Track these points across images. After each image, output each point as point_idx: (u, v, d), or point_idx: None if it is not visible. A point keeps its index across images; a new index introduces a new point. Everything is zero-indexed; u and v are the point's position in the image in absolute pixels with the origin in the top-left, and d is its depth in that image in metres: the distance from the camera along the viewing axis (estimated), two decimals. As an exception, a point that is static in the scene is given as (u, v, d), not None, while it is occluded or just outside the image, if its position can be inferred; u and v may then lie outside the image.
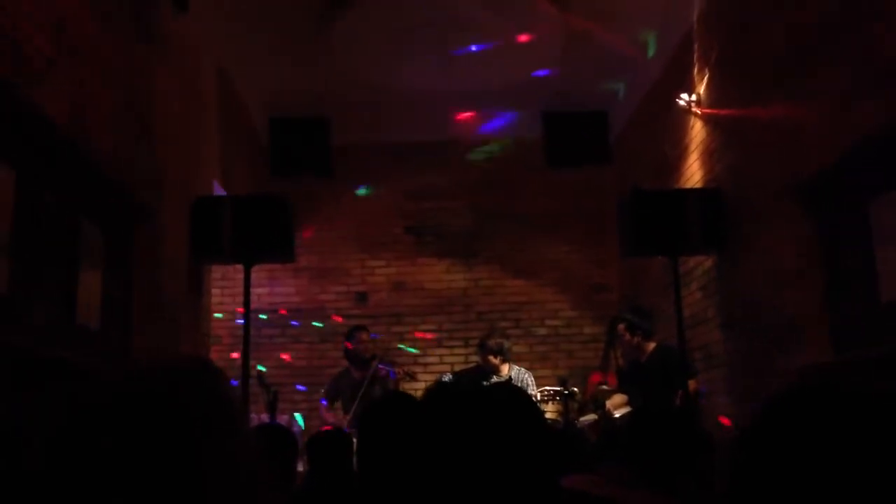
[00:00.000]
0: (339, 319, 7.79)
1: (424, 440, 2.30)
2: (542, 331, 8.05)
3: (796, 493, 1.14)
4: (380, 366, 6.38)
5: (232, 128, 6.57)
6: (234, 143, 6.68)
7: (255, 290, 5.80)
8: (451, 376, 6.73)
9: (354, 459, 4.06)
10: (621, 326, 6.04)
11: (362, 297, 8.04)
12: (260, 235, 5.26)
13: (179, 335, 5.00)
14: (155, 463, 1.00)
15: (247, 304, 5.46)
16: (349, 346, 6.61)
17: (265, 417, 6.32)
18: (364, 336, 6.57)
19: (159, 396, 1.06)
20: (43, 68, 3.21)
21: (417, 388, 7.14)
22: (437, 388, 2.33)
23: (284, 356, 7.73)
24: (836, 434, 1.10)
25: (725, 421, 5.46)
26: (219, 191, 6.08)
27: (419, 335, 7.85)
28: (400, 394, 3.59)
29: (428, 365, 7.82)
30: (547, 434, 2.52)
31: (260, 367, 6.16)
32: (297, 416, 7.01)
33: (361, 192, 8.15)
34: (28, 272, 3.16)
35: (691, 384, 5.61)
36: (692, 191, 5.79)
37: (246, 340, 5.51)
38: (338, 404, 6.64)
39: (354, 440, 5.53)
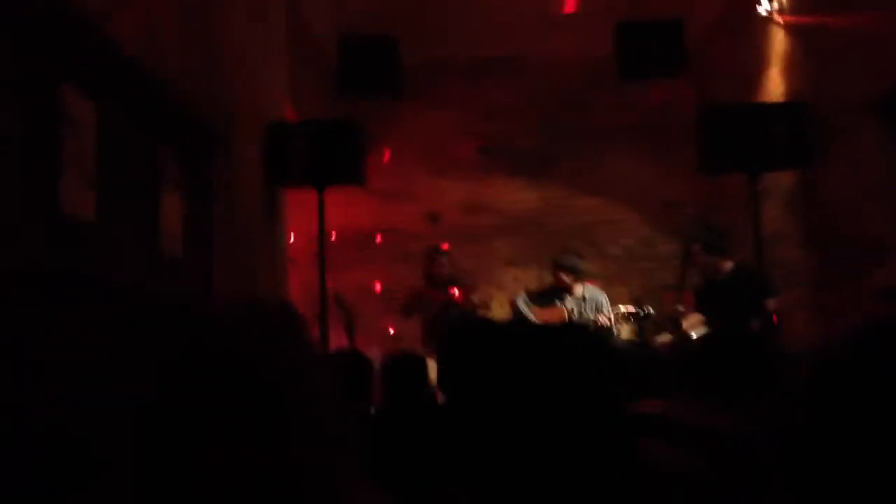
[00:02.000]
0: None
1: (503, 377, 2.32)
2: (616, 250, 7.97)
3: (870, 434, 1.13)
4: (456, 290, 6.41)
5: (300, 49, 6.55)
6: (303, 64, 6.66)
7: (328, 213, 5.86)
8: (524, 296, 6.74)
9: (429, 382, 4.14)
10: (696, 247, 5.90)
11: (434, 219, 8.05)
12: (331, 159, 5.31)
13: (258, 260, 5.10)
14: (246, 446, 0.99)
15: (321, 227, 5.55)
16: (428, 267, 6.64)
17: (344, 340, 6.47)
18: (442, 259, 6.60)
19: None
20: (115, 1, 3.23)
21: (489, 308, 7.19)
22: (511, 330, 2.35)
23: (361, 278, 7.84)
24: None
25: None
26: (289, 114, 6.11)
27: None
28: (479, 321, 3.59)
29: (503, 284, 7.83)
30: (618, 368, 2.52)
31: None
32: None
33: None
34: (114, 202, 3.24)
35: (771, 303, 5.51)
36: (772, 105, 5.60)
37: (321, 264, 5.62)
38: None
39: (428, 361, 5.63)
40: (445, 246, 6.95)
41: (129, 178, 3.45)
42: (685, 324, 6.00)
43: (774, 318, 5.49)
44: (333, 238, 7.69)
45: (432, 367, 6.17)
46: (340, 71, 7.13)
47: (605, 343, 2.03)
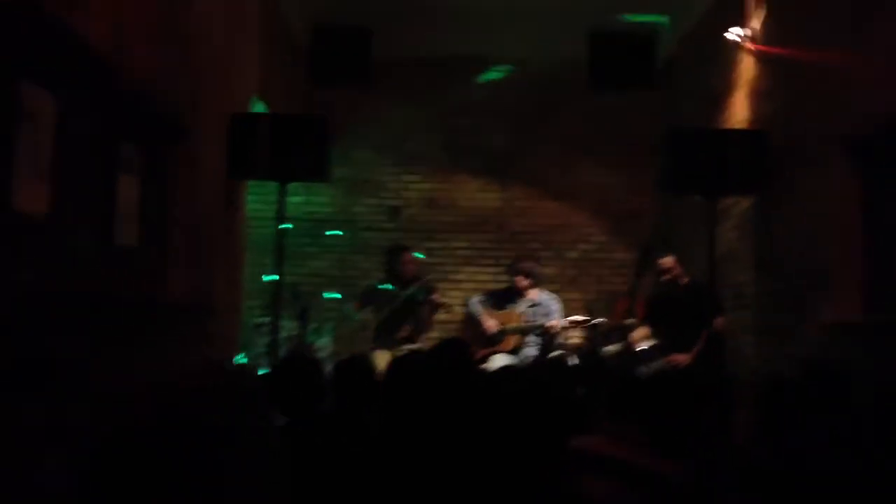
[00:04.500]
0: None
1: (450, 420, 2.36)
2: (574, 254, 8.04)
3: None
4: (418, 291, 6.41)
5: (272, 35, 6.48)
6: (275, 50, 6.60)
7: (289, 200, 5.85)
8: (479, 297, 6.79)
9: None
10: (670, 259, 5.97)
11: (395, 212, 8.04)
12: (296, 153, 5.28)
13: (215, 251, 5.07)
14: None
15: (281, 219, 5.54)
16: (391, 264, 6.63)
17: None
18: (407, 257, 6.59)
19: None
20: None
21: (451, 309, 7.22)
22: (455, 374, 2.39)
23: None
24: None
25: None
26: (257, 102, 6.06)
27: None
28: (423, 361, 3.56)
29: (459, 282, 7.86)
30: (555, 409, 2.58)
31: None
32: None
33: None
34: (69, 196, 3.21)
35: (718, 322, 5.63)
36: (734, 132, 5.68)
37: (279, 254, 5.61)
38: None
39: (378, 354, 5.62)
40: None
41: (86, 171, 3.41)
42: (633, 336, 6.12)
43: (721, 337, 5.61)
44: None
45: (383, 359, 6.24)
46: (312, 59, 7.10)
47: (545, 386, 2.09)
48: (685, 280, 5.97)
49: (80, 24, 3.15)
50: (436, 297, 6.51)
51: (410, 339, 6.40)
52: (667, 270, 5.95)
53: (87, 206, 3.46)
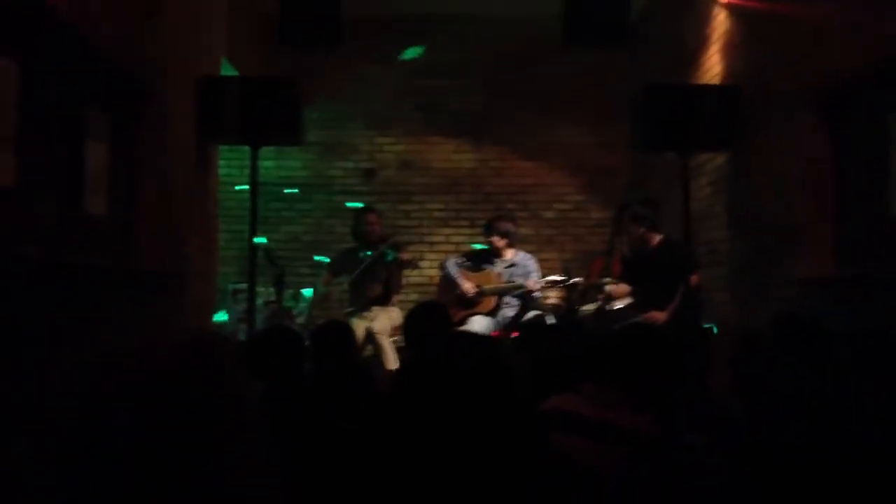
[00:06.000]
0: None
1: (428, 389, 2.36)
2: (550, 214, 8.04)
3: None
4: (386, 250, 6.37)
5: (240, -2, 6.37)
6: (243, 12, 6.48)
7: (262, 164, 5.78)
8: (457, 259, 6.76)
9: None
10: (627, 216, 5.97)
11: (370, 174, 7.99)
12: (267, 117, 5.20)
13: (188, 217, 5.02)
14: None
15: (254, 184, 5.47)
16: (356, 226, 6.58)
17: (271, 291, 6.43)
18: (372, 218, 6.52)
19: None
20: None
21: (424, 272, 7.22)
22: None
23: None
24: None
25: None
26: (226, 65, 5.96)
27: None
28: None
29: (434, 244, 7.85)
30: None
31: (259, 240, 5.98)
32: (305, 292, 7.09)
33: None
34: (35, 164, 3.16)
35: (693, 279, 5.66)
36: (708, 87, 5.66)
37: (253, 218, 5.54)
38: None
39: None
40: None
41: (53, 138, 3.35)
42: (610, 295, 6.13)
43: (697, 293, 5.64)
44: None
45: (358, 326, 6.21)
46: (280, 20, 6.95)
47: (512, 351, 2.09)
48: (656, 237, 5.96)
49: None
50: (404, 254, 6.47)
51: (382, 299, 6.37)
52: (625, 228, 5.97)
53: (54, 174, 3.41)
